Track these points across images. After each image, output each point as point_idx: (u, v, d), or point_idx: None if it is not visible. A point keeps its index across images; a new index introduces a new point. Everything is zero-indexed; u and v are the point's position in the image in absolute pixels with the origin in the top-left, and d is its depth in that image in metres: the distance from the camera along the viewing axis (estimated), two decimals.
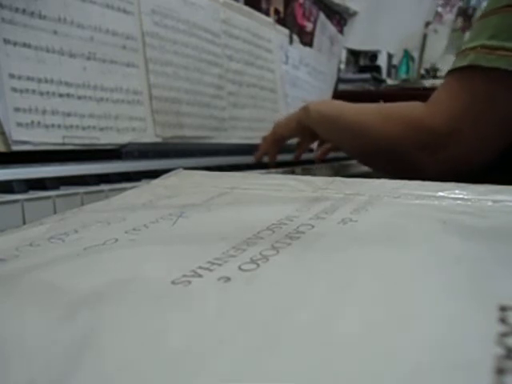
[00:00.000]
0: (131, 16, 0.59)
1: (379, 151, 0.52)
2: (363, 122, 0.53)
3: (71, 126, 0.50)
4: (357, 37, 1.75)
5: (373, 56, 1.91)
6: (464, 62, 0.45)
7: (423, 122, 0.47)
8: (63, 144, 0.50)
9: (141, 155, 0.58)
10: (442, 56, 2.12)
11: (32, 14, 0.47)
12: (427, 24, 2.09)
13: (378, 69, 1.90)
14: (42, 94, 0.48)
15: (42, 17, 0.48)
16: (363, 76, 1.81)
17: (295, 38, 1.00)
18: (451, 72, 0.47)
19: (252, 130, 0.81)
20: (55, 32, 0.50)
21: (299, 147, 0.73)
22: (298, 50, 1.01)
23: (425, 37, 2.09)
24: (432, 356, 0.11)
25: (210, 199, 0.28)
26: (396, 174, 0.50)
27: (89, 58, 0.53)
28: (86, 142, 0.52)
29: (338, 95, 1.31)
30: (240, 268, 0.16)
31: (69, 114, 0.50)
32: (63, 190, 0.41)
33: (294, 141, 0.72)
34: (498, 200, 0.24)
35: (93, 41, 0.54)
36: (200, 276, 0.16)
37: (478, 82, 0.44)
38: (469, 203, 0.24)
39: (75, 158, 0.49)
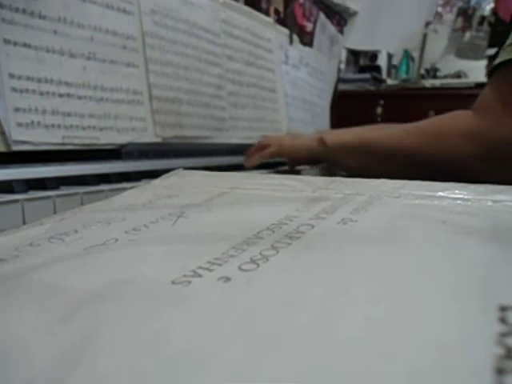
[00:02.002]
0: (131, 16, 0.59)
1: (433, 171, 0.49)
2: (407, 144, 0.50)
3: (71, 126, 0.50)
4: (357, 37, 1.75)
5: (373, 56, 1.92)
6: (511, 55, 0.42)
7: (484, 133, 0.44)
8: (63, 144, 0.50)
9: (141, 155, 0.58)
10: (441, 56, 2.12)
11: (32, 13, 0.47)
12: (427, 24, 2.09)
13: (378, 69, 1.90)
14: (41, 94, 0.48)
15: (41, 17, 0.48)
16: (363, 76, 1.82)
17: (295, 37, 1.00)
18: (496, 69, 0.44)
19: (252, 130, 0.81)
20: (55, 32, 0.50)
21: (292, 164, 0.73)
22: (297, 50, 1.01)
23: (425, 37, 2.09)
24: (432, 356, 0.11)
25: (210, 199, 0.28)
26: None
27: (89, 58, 0.53)
28: (86, 141, 0.52)
29: (338, 95, 1.31)
30: (240, 268, 0.16)
31: (69, 114, 0.50)
32: (63, 190, 0.41)
33: None
34: (498, 200, 0.24)
35: (93, 41, 0.54)
36: (200, 276, 0.16)
37: None
38: (469, 203, 0.24)
39: (75, 158, 0.49)
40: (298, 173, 0.68)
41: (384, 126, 0.65)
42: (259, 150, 0.67)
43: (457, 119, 0.48)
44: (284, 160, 0.73)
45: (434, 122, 0.51)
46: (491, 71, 0.45)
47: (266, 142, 0.68)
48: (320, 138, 0.61)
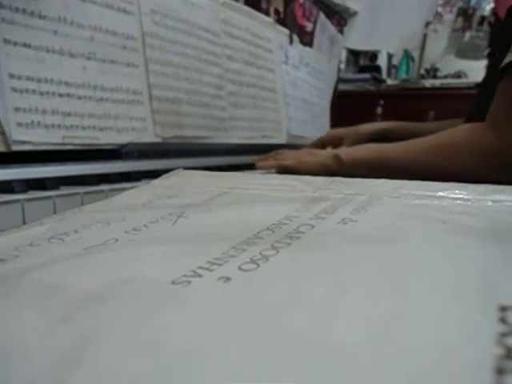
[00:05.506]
0: (131, 16, 0.59)
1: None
2: (422, 161, 0.50)
3: (71, 126, 0.50)
4: (357, 37, 1.75)
5: (373, 56, 1.92)
6: None
7: (497, 148, 0.43)
8: (63, 144, 0.50)
9: (141, 155, 0.58)
10: (442, 56, 2.12)
11: (32, 13, 0.47)
12: (427, 24, 2.09)
13: (378, 69, 1.90)
14: (41, 93, 0.48)
15: (41, 17, 0.48)
16: (363, 76, 1.82)
17: (295, 37, 1.00)
18: (504, 75, 0.43)
19: (252, 130, 0.81)
20: (55, 32, 0.50)
21: None
22: (297, 50, 1.01)
23: (425, 37, 2.09)
24: (432, 356, 0.11)
25: (210, 199, 0.28)
26: None
27: (89, 58, 0.53)
28: (86, 141, 0.52)
29: (338, 95, 1.31)
30: (240, 268, 0.16)
31: (69, 114, 0.50)
32: (63, 190, 0.41)
33: None
34: (498, 200, 0.24)
35: (93, 41, 0.54)
36: (200, 276, 0.16)
37: None
38: (469, 203, 0.24)
39: (75, 158, 0.49)
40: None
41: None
42: (275, 159, 0.67)
43: (470, 134, 0.47)
44: None
45: (447, 138, 0.50)
46: (500, 74, 0.44)
47: (283, 155, 0.68)
48: (335, 154, 0.61)
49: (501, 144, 0.43)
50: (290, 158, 0.67)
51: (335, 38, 1.25)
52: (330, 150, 0.66)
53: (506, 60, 0.43)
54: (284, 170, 0.66)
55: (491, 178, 0.44)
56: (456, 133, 0.49)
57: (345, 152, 0.60)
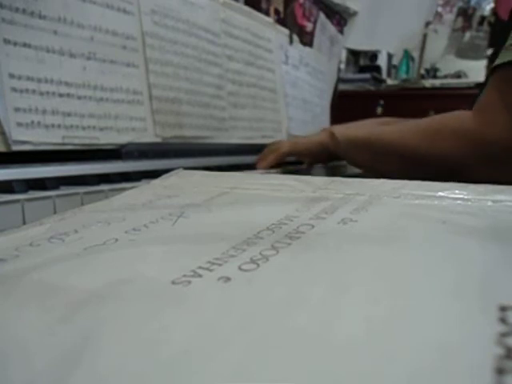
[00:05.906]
0: (131, 16, 0.59)
1: (431, 169, 0.49)
2: (409, 143, 0.51)
3: (71, 126, 0.50)
4: (357, 37, 1.75)
5: (373, 56, 1.92)
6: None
7: (478, 132, 0.44)
8: (63, 144, 0.50)
9: (141, 155, 0.58)
10: (442, 56, 2.12)
11: (32, 13, 0.47)
12: (427, 24, 2.09)
13: (378, 69, 1.90)
14: (41, 94, 0.48)
15: (41, 17, 0.48)
16: (363, 76, 1.82)
17: (295, 37, 1.00)
18: (496, 69, 0.44)
19: (252, 130, 0.81)
20: (55, 32, 0.50)
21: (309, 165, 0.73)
22: (297, 50, 1.01)
23: (425, 37, 2.09)
24: (432, 356, 0.11)
25: (210, 199, 0.28)
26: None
27: (89, 58, 0.53)
28: (86, 141, 0.52)
29: (338, 95, 1.31)
30: (240, 268, 0.16)
31: (69, 114, 0.50)
32: (63, 190, 0.41)
33: None
34: (498, 200, 0.24)
35: (93, 41, 0.54)
36: (200, 276, 0.16)
37: None
38: (469, 203, 0.24)
39: (75, 158, 0.49)
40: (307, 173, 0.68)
41: (391, 120, 0.66)
42: (271, 152, 0.68)
43: (456, 119, 0.49)
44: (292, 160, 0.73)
45: (435, 122, 0.52)
46: (492, 70, 0.45)
47: (277, 144, 0.69)
48: (331, 132, 0.61)
49: (482, 130, 0.44)
50: (284, 145, 0.68)
51: (335, 38, 1.25)
52: (325, 128, 0.67)
53: (498, 61, 0.44)
54: (287, 170, 0.66)
55: (470, 166, 0.45)
56: (443, 117, 0.51)
57: (339, 129, 0.61)
